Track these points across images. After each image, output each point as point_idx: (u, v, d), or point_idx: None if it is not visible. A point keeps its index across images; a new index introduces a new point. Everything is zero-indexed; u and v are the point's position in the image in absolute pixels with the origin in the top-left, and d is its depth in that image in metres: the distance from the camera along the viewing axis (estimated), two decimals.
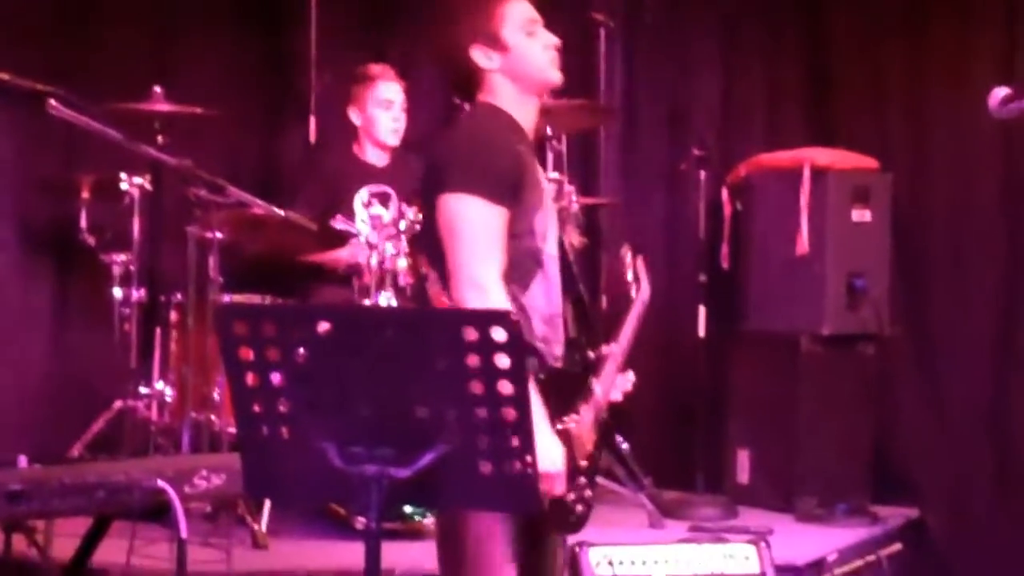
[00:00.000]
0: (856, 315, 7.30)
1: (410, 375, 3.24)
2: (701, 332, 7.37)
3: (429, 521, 5.49)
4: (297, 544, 6.12)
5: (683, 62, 8.31)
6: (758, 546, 5.61)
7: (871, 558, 5.75)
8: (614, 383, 4.18)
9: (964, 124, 7.34)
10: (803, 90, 8.28)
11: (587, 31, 7.67)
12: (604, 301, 7.44)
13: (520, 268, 4.03)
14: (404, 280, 6.23)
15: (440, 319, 3.25)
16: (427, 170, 4.13)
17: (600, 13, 7.67)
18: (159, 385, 6.61)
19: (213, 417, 6.32)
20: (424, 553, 4.49)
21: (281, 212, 6.24)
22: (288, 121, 7.76)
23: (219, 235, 6.32)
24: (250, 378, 3.32)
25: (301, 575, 5.50)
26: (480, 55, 4.11)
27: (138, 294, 6.69)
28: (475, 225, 3.92)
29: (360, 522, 4.47)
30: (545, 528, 4.02)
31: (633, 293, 4.52)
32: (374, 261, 6.33)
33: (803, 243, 7.18)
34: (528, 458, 3.26)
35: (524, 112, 4.17)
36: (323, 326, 3.28)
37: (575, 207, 7.02)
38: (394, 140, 6.94)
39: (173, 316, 6.65)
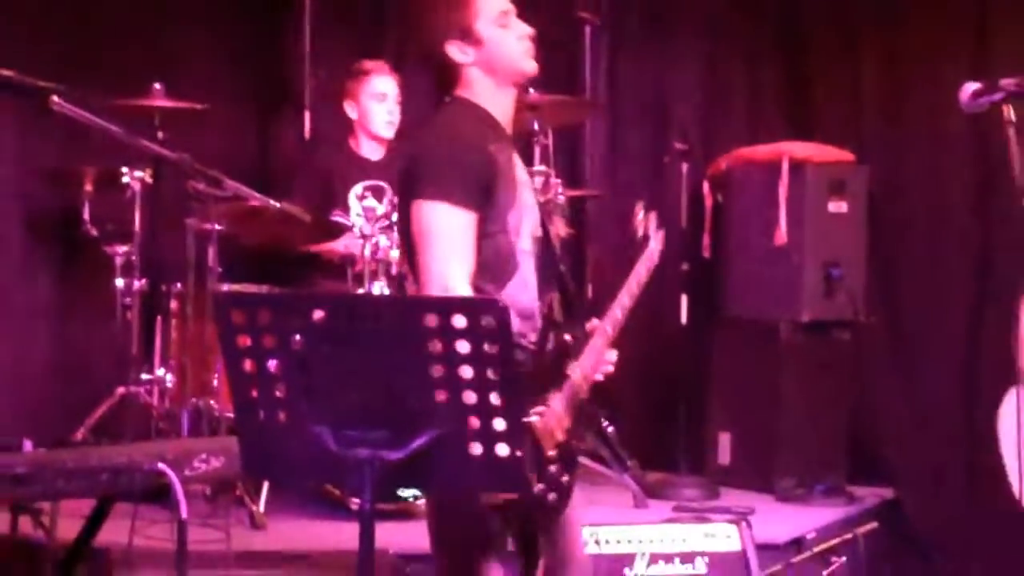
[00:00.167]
0: (833, 303, 7.31)
1: (402, 361, 3.24)
2: (683, 319, 7.37)
3: (422, 502, 5.49)
4: (294, 524, 6.12)
5: (666, 59, 8.31)
6: (739, 525, 5.61)
7: (848, 536, 5.75)
8: (603, 357, 4.11)
9: (937, 118, 7.35)
10: (782, 86, 8.29)
11: (573, 28, 7.67)
12: (590, 290, 7.44)
13: (496, 266, 4.01)
14: (396, 270, 6.23)
15: (431, 306, 3.24)
16: (401, 174, 4.12)
17: (585, 11, 7.66)
18: (160, 372, 6.61)
19: (212, 402, 6.33)
20: (417, 533, 4.48)
21: (277, 204, 6.23)
22: (284, 116, 7.76)
23: (217, 227, 6.33)
24: (247, 364, 3.32)
25: (298, 554, 5.50)
26: (455, 50, 4.06)
27: (139, 284, 6.68)
28: (444, 231, 3.90)
29: (354, 503, 4.48)
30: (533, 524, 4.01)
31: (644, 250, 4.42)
32: (368, 252, 6.34)
33: (782, 233, 7.18)
34: (515, 441, 3.27)
35: (501, 104, 4.13)
36: (318, 313, 3.29)
37: (561, 199, 7.01)
38: (389, 132, 6.93)
39: (173, 305, 6.64)
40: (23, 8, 7.09)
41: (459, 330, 3.19)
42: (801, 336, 7.29)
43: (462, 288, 3.78)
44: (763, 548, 5.69)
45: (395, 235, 6.19)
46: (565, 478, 3.91)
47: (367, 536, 3.32)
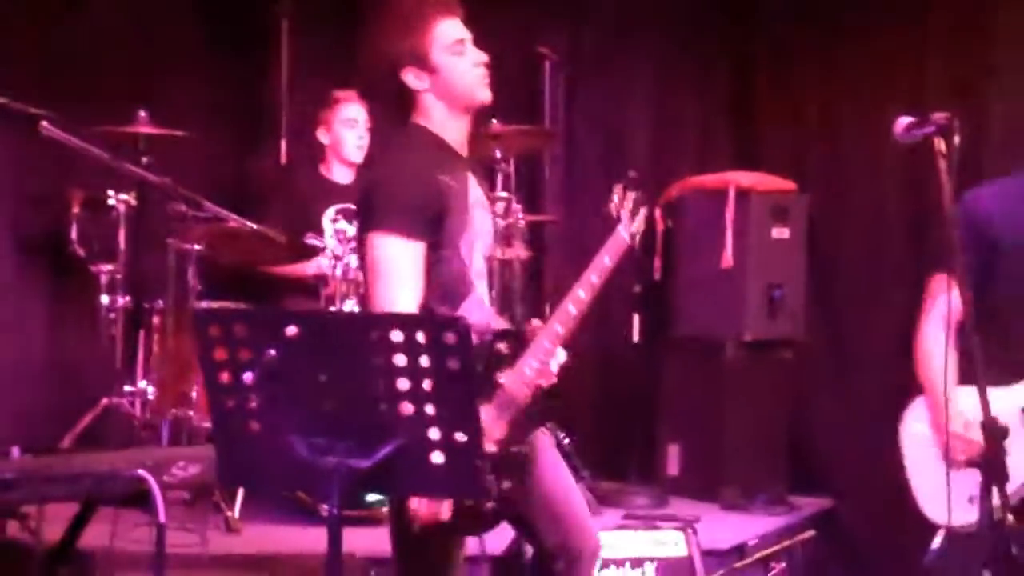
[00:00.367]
0: (775, 323, 7.32)
1: (369, 374, 3.24)
2: (635, 337, 7.39)
3: (386, 509, 5.48)
4: (267, 529, 6.10)
5: (620, 93, 8.32)
6: (686, 532, 5.62)
7: (787, 543, 5.76)
8: (548, 356, 3.99)
9: (874, 150, 7.37)
10: (728, 119, 8.34)
11: (533, 63, 7.68)
12: (548, 309, 7.44)
13: (449, 289, 4.00)
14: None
15: (397, 323, 3.24)
16: (357, 204, 4.11)
17: (545, 47, 7.68)
18: (142, 384, 6.57)
19: (191, 413, 6.29)
20: (382, 538, 4.47)
21: (254, 226, 6.22)
22: (261, 143, 7.74)
23: (197, 247, 6.31)
24: (224, 376, 3.32)
25: (270, 557, 5.48)
26: (411, 76, 4.04)
27: (123, 301, 6.65)
28: (392, 264, 3.90)
29: (324, 509, 4.47)
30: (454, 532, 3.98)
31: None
32: (339, 272, 6.34)
33: (728, 257, 7.20)
34: (475, 449, 3.26)
35: (455, 130, 4.10)
36: (291, 329, 3.28)
37: (521, 223, 7.03)
38: (359, 156, 6.93)
39: (155, 321, 6.61)
40: (15, 39, 7.07)
41: (423, 345, 3.19)
42: (745, 354, 7.30)
43: None
44: (708, 554, 5.70)
45: None
46: (506, 485, 3.89)
47: (335, 540, 3.31)
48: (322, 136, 6.98)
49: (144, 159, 6.46)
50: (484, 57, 4.09)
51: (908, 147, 4.08)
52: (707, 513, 6.69)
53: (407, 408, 3.24)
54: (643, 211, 4.31)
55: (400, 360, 3.21)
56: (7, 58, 6.88)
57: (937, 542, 4.56)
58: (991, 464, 3.77)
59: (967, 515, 4.36)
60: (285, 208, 6.85)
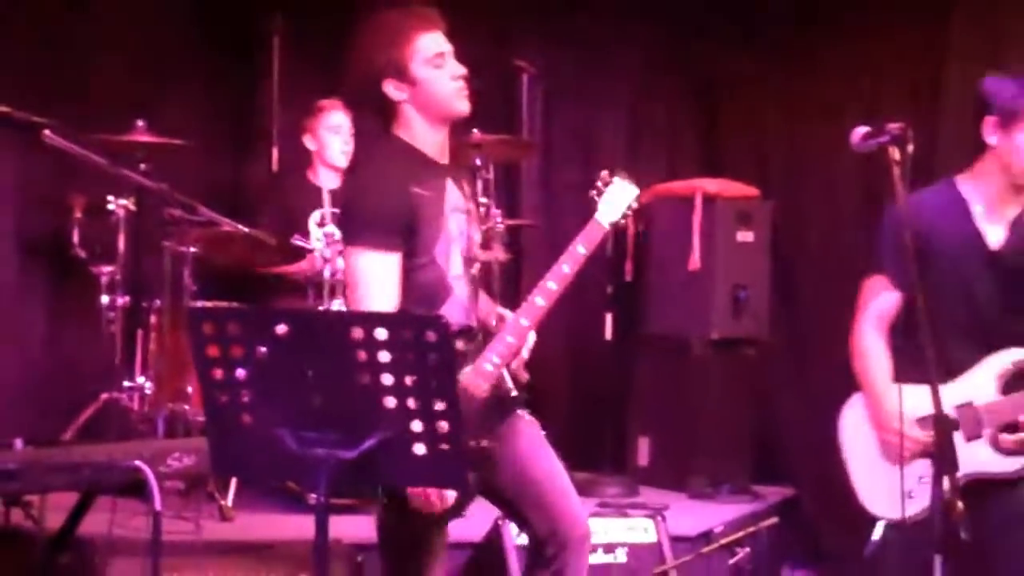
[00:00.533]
0: (740, 322, 7.33)
1: (355, 370, 3.23)
2: (608, 335, 7.37)
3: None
4: (259, 517, 6.09)
5: (594, 105, 8.34)
6: (655, 520, 5.62)
7: (752, 529, 5.75)
8: (511, 350, 3.97)
9: (833, 158, 7.40)
10: (696, 130, 8.37)
11: (511, 76, 7.67)
12: None
13: (428, 293, 3.99)
14: None
15: (382, 321, 3.23)
16: (339, 217, 4.10)
17: (523, 61, 7.67)
18: (140, 379, 6.54)
19: (186, 407, 6.29)
20: (367, 525, 4.46)
21: (246, 229, 6.21)
22: (253, 151, 7.73)
23: (192, 249, 6.30)
24: (217, 372, 3.31)
25: (262, 544, 5.46)
26: (391, 88, 4.03)
27: (122, 300, 6.63)
28: (367, 275, 3.91)
29: (312, 498, 4.47)
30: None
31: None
32: (327, 273, 6.34)
33: (695, 260, 7.20)
34: (456, 440, 3.26)
35: (433, 140, 4.08)
36: (281, 327, 3.27)
37: (500, 227, 7.02)
38: (343, 161, 6.90)
39: (153, 320, 6.59)
40: (21, 52, 7.07)
41: (406, 343, 3.19)
42: (712, 352, 7.30)
43: None
44: (676, 540, 5.70)
45: None
46: (471, 478, 3.87)
47: (322, 527, 3.31)
48: (308, 143, 6.98)
49: (142, 166, 6.44)
50: (462, 70, 4.06)
51: (864, 155, 4.08)
52: (675, 501, 6.71)
53: (391, 402, 3.24)
54: (631, 196, 4.24)
55: (384, 356, 3.20)
56: (14, 70, 6.89)
57: (878, 534, 4.56)
58: (942, 454, 3.78)
59: (908, 509, 4.39)
60: (275, 211, 6.84)
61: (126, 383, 6.55)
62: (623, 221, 4.21)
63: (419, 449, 3.27)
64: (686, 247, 7.22)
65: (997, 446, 4.46)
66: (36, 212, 7.15)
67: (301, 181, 6.99)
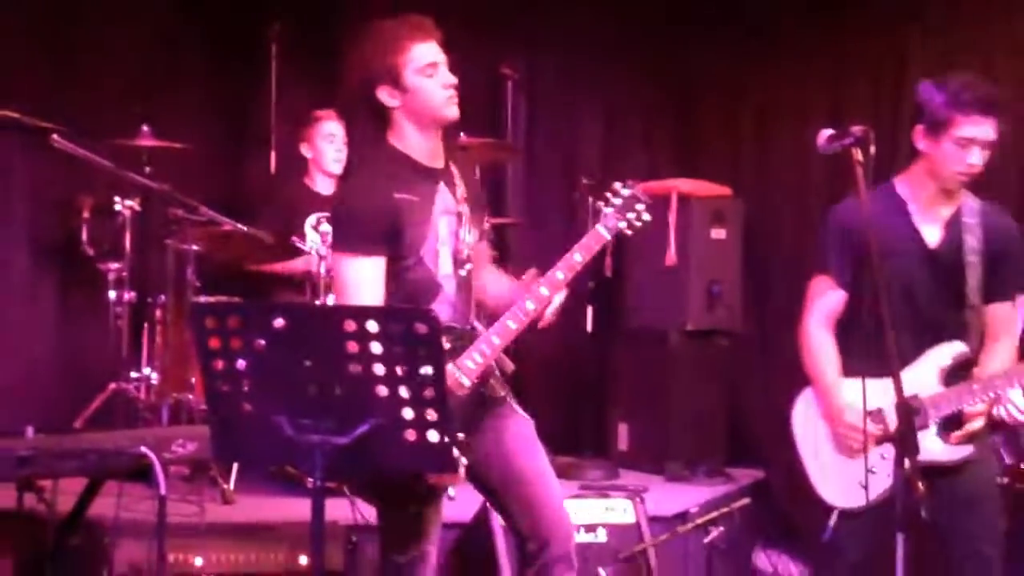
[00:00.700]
0: (714, 314, 7.32)
1: (349, 360, 3.23)
2: (589, 328, 7.38)
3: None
4: (259, 500, 6.08)
5: (575, 110, 8.34)
6: (634, 501, 5.61)
7: (725, 510, 5.75)
8: (492, 349, 3.95)
9: (800, 160, 7.44)
10: (672, 133, 8.37)
11: (497, 83, 7.67)
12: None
13: (417, 293, 3.98)
14: None
15: (374, 315, 3.23)
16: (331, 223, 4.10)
17: (508, 69, 7.67)
18: (146, 370, 6.56)
19: (190, 396, 6.28)
20: (361, 508, 4.47)
21: (245, 229, 6.21)
22: (252, 155, 7.72)
23: (195, 247, 6.30)
24: (218, 363, 3.31)
25: (262, 525, 5.46)
26: (385, 95, 4.01)
27: (129, 296, 6.63)
28: (351, 279, 3.91)
29: (309, 481, 4.48)
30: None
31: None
32: (322, 270, 6.33)
33: (671, 256, 7.20)
34: (443, 427, 3.26)
35: (424, 146, 4.05)
36: (278, 321, 3.27)
37: (487, 227, 7.00)
38: (337, 168, 6.89)
39: (158, 314, 6.60)
40: (35, 62, 7.08)
41: (397, 335, 3.19)
42: (687, 342, 7.30)
43: None
44: (654, 520, 5.69)
45: None
46: None
47: (318, 510, 3.31)
48: (305, 150, 6.96)
49: (147, 169, 6.45)
50: (453, 80, 4.03)
51: (830, 157, 4.08)
52: (653, 484, 6.72)
53: (382, 391, 3.24)
54: (639, 207, 4.20)
55: (376, 348, 3.20)
56: (28, 80, 6.92)
57: (833, 520, 4.57)
58: (904, 438, 3.79)
59: (861, 498, 4.41)
60: (273, 212, 6.83)
61: (133, 374, 6.56)
62: (629, 232, 4.18)
63: (409, 435, 3.27)
64: (663, 244, 7.21)
65: (944, 436, 4.47)
66: (47, 213, 7.17)
67: (298, 186, 6.98)
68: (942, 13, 7.21)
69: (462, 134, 6.74)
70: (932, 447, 4.41)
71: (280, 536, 5.13)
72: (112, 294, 6.65)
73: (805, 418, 4.74)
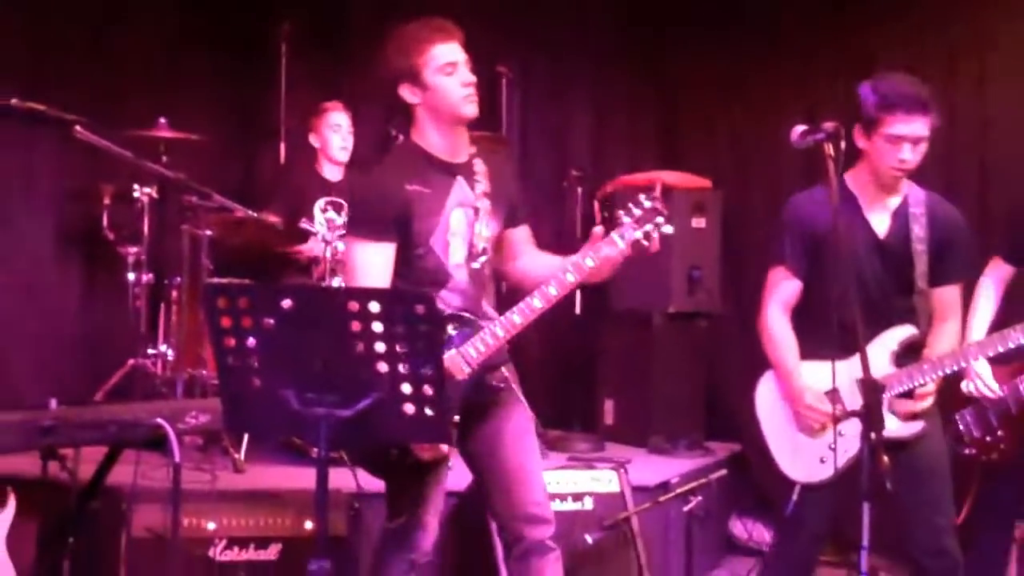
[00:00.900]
0: (694, 297, 7.32)
1: (352, 338, 3.23)
2: (578, 310, 7.38)
3: None
4: (268, 469, 6.08)
5: (565, 105, 8.36)
6: (619, 472, 5.63)
7: (704, 481, 5.76)
8: (496, 341, 3.94)
9: (776, 153, 7.44)
10: (656, 128, 8.38)
11: (492, 80, 7.66)
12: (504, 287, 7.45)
13: (428, 278, 3.98)
14: None
15: (376, 296, 3.23)
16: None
17: (502, 66, 7.66)
18: (162, 347, 6.56)
19: (203, 371, 6.28)
20: (363, 476, 4.47)
21: (256, 215, 6.22)
22: (263, 147, 7.72)
23: (208, 232, 6.28)
24: (230, 340, 3.31)
25: (270, 492, 5.46)
26: (406, 92, 4.02)
27: (147, 278, 6.63)
28: (360, 263, 3.93)
29: (315, 451, 4.48)
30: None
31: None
32: (329, 254, 6.32)
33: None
34: (439, 402, 3.26)
35: (442, 142, 4.05)
36: (286, 301, 3.27)
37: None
38: (343, 156, 6.91)
39: (173, 294, 6.59)
40: (60, 58, 7.07)
41: (397, 315, 3.19)
42: (669, 324, 7.30)
43: None
44: (637, 490, 5.72)
45: None
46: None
47: (323, 478, 3.31)
48: (313, 140, 6.97)
49: (164, 159, 6.44)
50: (472, 79, 4.02)
51: (803, 151, 4.08)
52: (637, 456, 6.72)
53: (383, 367, 3.24)
54: (659, 220, 4.13)
55: (377, 327, 3.21)
56: (51, 73, 6.92)
57: (795, 495, 4.59)
58: (870, 413, 3.80)
59: (821, 473, 4.43)
60: (283, 199, 6.83)
61: (150, 350, 6.56)
62: (646, 243, 4.10)
63: (408, 409, 3.27)
64: None
65: (896, 412, 4.48)
66: (71, 200, 7.16)
67: (308, 173, 6.98)
68: (902, 19, 7.24)
69: None
70: (888, 424, 4.41)
71: (287, 503, 5.12)
72: (131, 276, 6.65)
73: (768, 400, 4.76)
